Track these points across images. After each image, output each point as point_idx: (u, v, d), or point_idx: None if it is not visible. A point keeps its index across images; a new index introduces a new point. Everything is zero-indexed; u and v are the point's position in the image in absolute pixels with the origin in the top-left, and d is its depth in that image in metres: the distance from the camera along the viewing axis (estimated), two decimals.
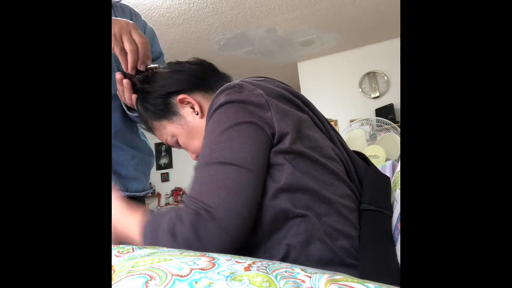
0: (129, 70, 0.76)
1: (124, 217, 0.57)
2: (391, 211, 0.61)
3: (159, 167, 5.64)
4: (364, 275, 0.50)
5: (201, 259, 0.36)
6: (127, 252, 0.38)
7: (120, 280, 0.33)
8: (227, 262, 0.35)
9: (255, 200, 0.53)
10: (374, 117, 3.13)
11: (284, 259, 0.52)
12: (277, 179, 0.54)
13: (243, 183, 0.51)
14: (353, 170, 0.63)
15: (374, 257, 0.53)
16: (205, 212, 0.49)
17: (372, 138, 3.08)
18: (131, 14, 1.09)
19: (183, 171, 5.37)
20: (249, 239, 0.54)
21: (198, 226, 0.48)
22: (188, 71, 0.71)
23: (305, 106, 0.62)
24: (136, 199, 1.03)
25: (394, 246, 0.57)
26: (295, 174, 0.55)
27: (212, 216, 0.49)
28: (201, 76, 0.71)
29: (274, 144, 0.55)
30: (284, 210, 0.53)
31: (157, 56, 1.13)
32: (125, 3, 1.09)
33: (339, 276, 0.33)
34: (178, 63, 0.74)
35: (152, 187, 1.16)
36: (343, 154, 0.63)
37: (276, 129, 0.55)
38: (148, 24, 1.15)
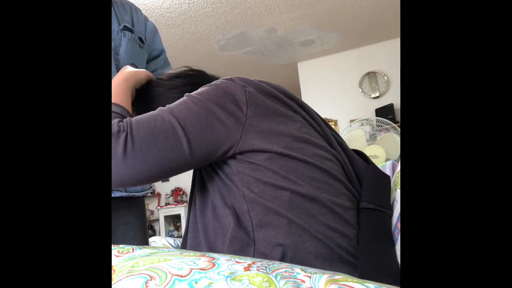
0: None
1: (115, 89, 0.66)
2: (391, 210, 0.61)
3: None
4: (363, 275, 0.50)
5: (201, 259, 0.36)
6: (127, 252, 0.38)
7: (120, 280, 0.33)
8: (227, 262, 0.35)
9: (169, 171, 0.55)
10: (374, 117, 3.12)
11: (282, 260, 0.52)
12: (261, 178, 0.55)
13: (174, 150, 0.54)
14: (351, 169, 0.63)
15: (373, 256, 0.53)
16: (124, 137, 0.52)
17: (372, 138, 3.08)
18: (131, 10, 1.07)
19: None
20: (237, 227, 0.54)
21: (113, 138, 0.52)
22: (181, 86, 0.71)
23: (299, 107, 0.63)
24: (136, 199, 1.03)
25: (394, 245, 0.57)
26: (280, 174, 0.55)
27: (125, 146, 0.52)
28: (193, 89, 0.71)
29: (239, 140, 0.56)
30: (272, 208, 0.54)
31: (159, 54, 1.12)
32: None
33: (339, 276, 0.33)
34: (169, 79, 0.73)
35: (151, 186, 1.16)
36: (341, 154, 0.62)
37: (244, 129, 0.56)
38: (150, 20, 1.13)
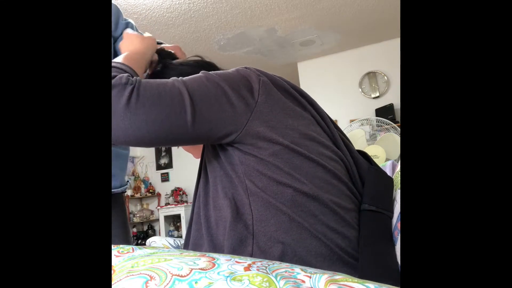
0: None
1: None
2: (392, 212, 0.61)
3: (159, 167, 5.64)
4: (363, 277, 0.50)
5: (201, 259, 0.36)
6: (127, 252, 0.38)
7: (120, 280, 0.33)
8: (227, 262, 0.35)
9: (165, 137, 0.54)
10: (374, 117, 3.13)
11: (281, 258, 0.52)
12: (265, 172, 0.55)
13: (177, 115, 0.52)
14: (355, 170, 0.62)
15: (374, 259, 0.53)
16: (130, 90, 0.51)
17: (372, 138, 3.08)
18: None
19: (183, 171, 5.37)
20: (236, 220, 0.54)
21: (114, 89, 0.51)
22: (192, 73, 0.71)
23: (309, 105, 0.62)
24: (114, 196, 1.02)
25: (394, 247, 0.57)
26: (284, 170, 0.54)
27: (129, 98, 0.51)
28: None
29: (245, 125, 0.55)
30: (274, 204, 0.53)
31: (125, 27, 1.09)
32: None
33: (339, 276, 0.33)
34: (181, 64, 0.74)
35: (128, 181, 1.15)
36: (346, 155, 0.62)
37: (252, 116, 0.55)
38: (112, 3, 1.12)
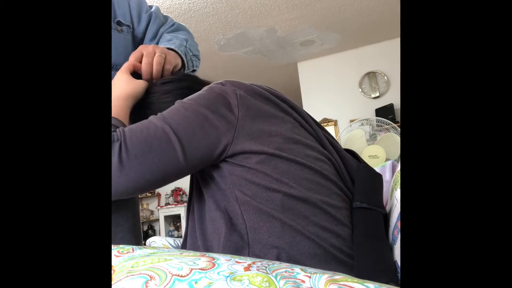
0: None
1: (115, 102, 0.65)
2: (383, 208, 0.62)
3: None
4: (360, 274, 0.50)
5: (201, 259, 0.36)
6: (127, 252, 0.38)
7: (120, 280, 0.33)
8: (227, 262, 0.35)
9: (164, 178, 0.55)
10: (374, 117, 3.12)
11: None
12: (253, 180, 0.55)
13: (169, 156, 0.53)
14: (343, 169, 0.63)
15: (369, 255, 0.54)
16: (118, 147, 0.52)
17: (372, 138, 3.08)
18: None
19: None
20: (231, 231, 0.54)
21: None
22: (174, 90, 0.70)
23: (290, 109, 0.63)
24: (126, 199, 0.97)
25: (388, 244, 0.57)
26: (272, 176, 0.55)
27: (120, 155, 0.51)
28: (185, 92, 0.69)
29: (231, 142, 0.56)
30: (265, 211, 0.54)
31: (149, 17, 1.03)
32: None
33: (339, 276, 0.33)
34: (162, 84, 0.72)
35: None
36: (333, 154, 0.63)
37: (236, 132, 0.56)
38: None
